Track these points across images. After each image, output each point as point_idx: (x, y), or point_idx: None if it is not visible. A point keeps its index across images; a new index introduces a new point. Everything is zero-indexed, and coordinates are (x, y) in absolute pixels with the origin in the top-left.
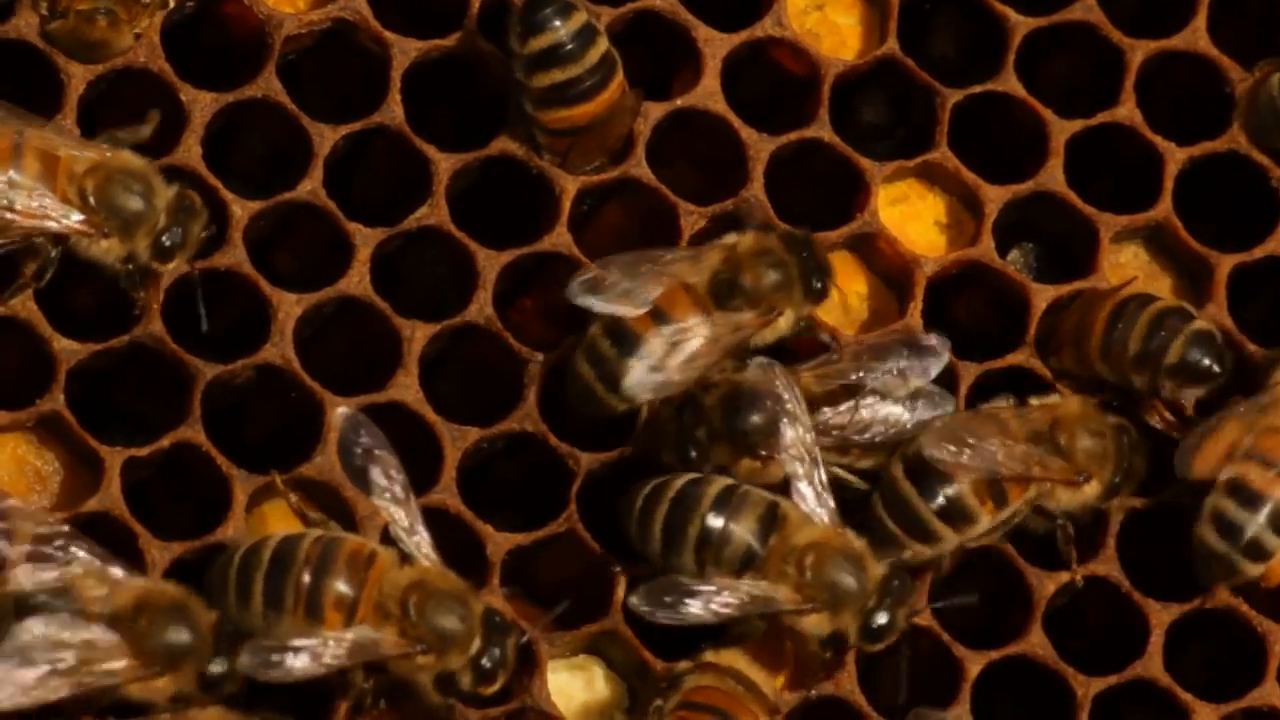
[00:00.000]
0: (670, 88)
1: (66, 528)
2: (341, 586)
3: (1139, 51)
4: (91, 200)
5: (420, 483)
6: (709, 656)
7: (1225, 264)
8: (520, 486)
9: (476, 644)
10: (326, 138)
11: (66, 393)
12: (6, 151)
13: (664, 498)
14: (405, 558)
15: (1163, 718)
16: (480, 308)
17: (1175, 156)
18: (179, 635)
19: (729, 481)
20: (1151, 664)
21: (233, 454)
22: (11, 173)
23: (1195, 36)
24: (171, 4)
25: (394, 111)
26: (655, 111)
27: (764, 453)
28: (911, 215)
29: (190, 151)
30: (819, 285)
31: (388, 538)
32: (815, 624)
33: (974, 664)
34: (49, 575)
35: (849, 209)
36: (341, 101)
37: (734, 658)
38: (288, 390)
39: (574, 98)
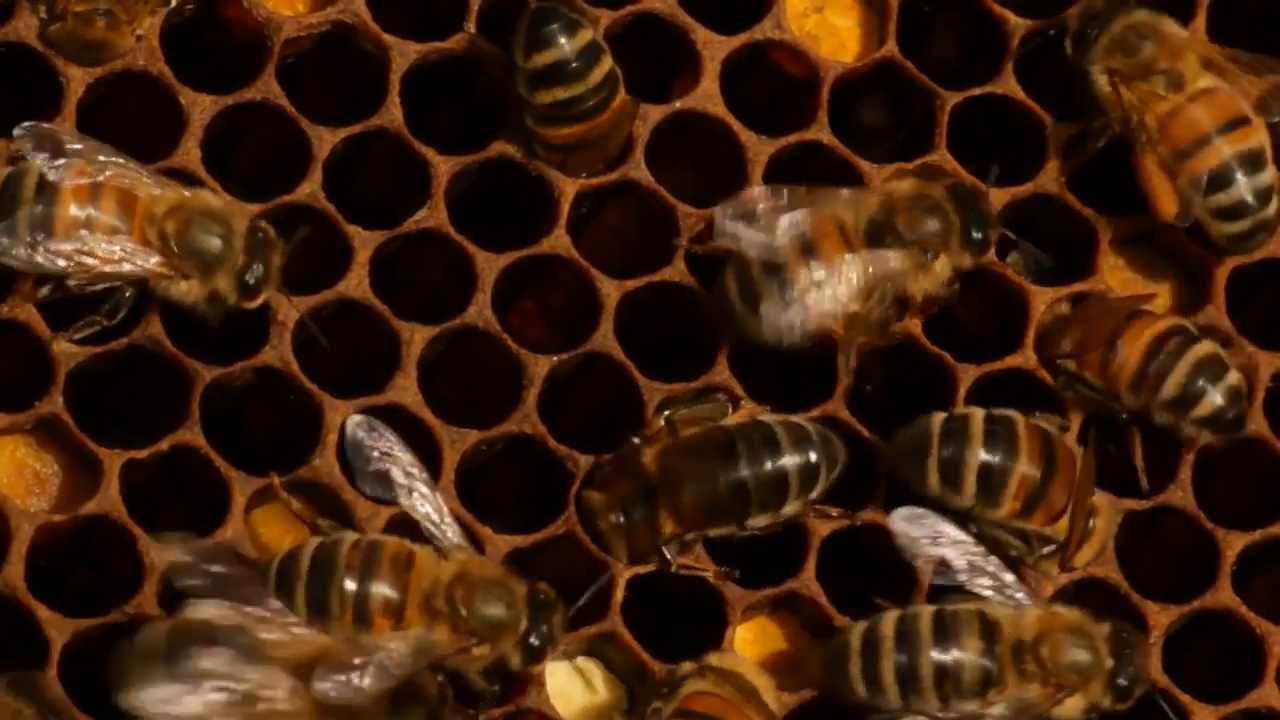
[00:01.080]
0: (669, 90)
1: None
2: (388, 591)
3: None
4: (171, 243)
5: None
6: (713, 660)
7: (1225, 265)
8: (519, 489)
9: (524, 624)
10: (326, 140)
11: (65, 395)
12: (85, 192)
13: (883, 646)
14: (439, 551)
15: (1162, 719)
16: (479, 310)
17: None
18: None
19: (933, 609)
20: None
21: (231, 456)
22: (90, 212)
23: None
24: (173, 3)
25: (393, 114)
26: (654, 114)
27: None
28: None
29: (189, 154)
30: (979, 236)
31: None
32: (1074, 705)
33: None
34: (230, 611)
35: None
36: (341, 104)
37: (737, 662)
38: (287, 393)
39: (576, 116)
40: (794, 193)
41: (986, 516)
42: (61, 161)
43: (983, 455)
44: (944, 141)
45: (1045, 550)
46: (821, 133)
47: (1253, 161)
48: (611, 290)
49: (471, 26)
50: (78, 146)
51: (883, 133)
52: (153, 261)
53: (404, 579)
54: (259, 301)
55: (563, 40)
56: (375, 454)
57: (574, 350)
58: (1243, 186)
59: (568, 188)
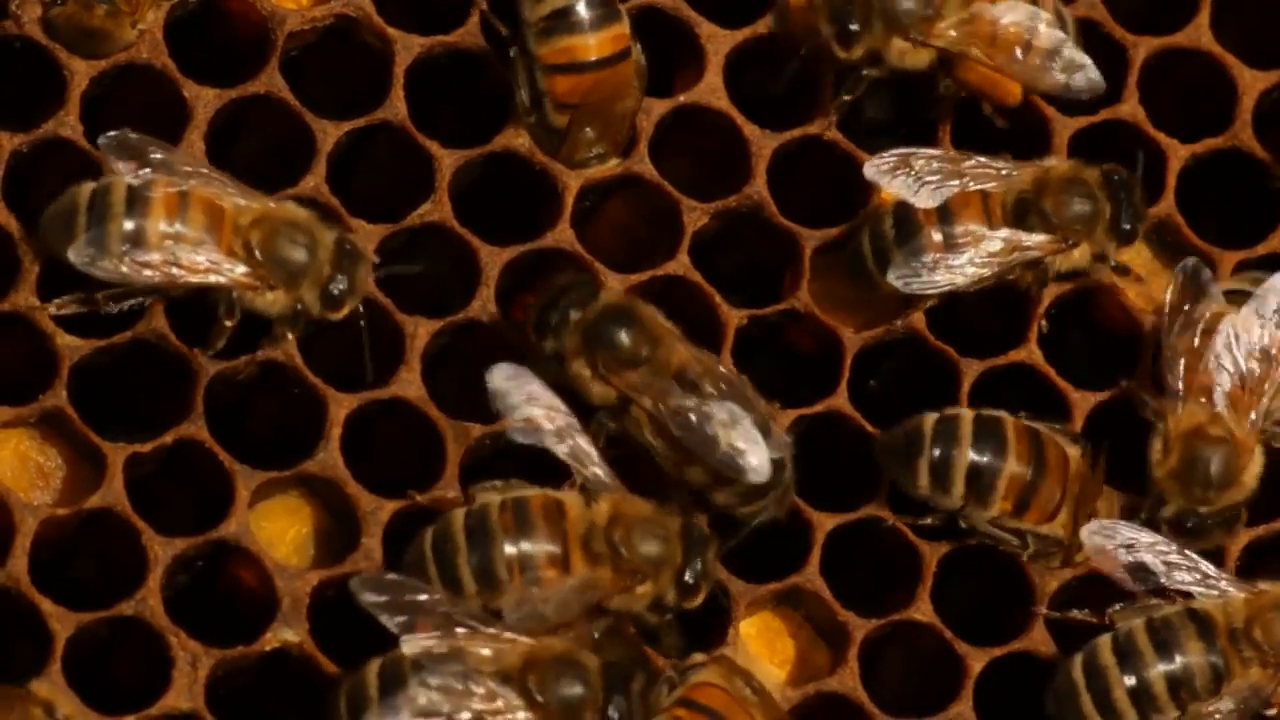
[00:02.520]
0: (673, 84)
1: (448, 608)
2: (548, 545)
3: (1142, 48)
4: (257, 253)
5: (423, 479)
6: (728, 649)
7: (1228, 260)
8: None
9: (679, 560)
10: (329, 134)
11: (69, 389)
12: (173, 202)
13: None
14: (586, 493)
15: None
16: (483, 304)
17: (1178, 153)
18: (573, 689)
19: (1144, 621)
20: None
21: (235, 450)
22: (177, 225)
23: (1198, 33)
24: None
25: (397, 108)
26: (658, 108)
27: None
28: None
29: (194, 147)
30: (1128, 227)
31: (398, 527)
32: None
33: (976, 661)
34: (435, 644)
35: (853, 205)
36: (344, 98)
37: (751, 659)
38: (290, 386)
39: (582, 66)
40: (951, 156)
41: (976, 516)
42: (147, 171)
43: (971, 456)
44: (948, 137)
45: (1044, 548)
46: (825, 127)
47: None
48: (615, 284)
49: (484, 2)
50: (161, 156)
51: (887, 127)
52: (239, 272)
53: (560, 529)
54: (343, 313)
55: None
56: (520, 400)
57: None
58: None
59: (571, 181)
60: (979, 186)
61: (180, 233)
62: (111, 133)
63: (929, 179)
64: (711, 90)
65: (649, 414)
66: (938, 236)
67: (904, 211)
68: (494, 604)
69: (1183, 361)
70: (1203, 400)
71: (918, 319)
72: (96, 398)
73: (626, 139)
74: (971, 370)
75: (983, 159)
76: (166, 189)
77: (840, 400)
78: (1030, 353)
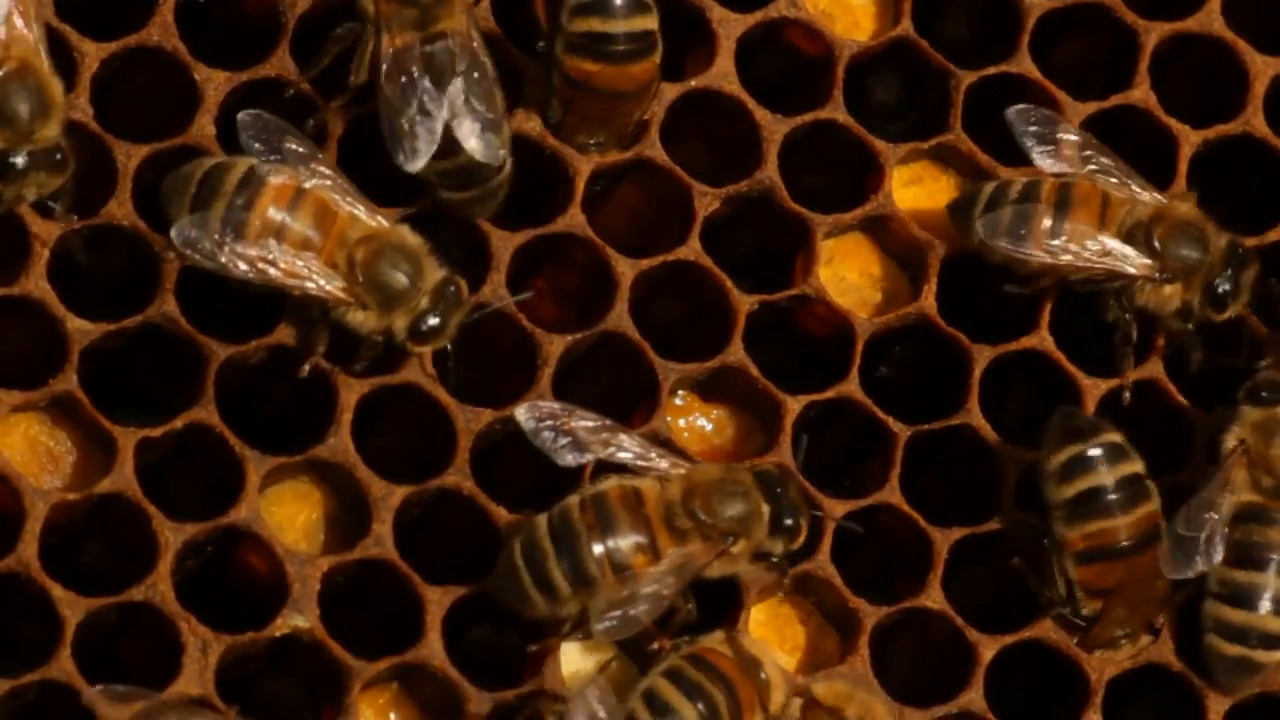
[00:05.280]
0: (684, 68)
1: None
2: (634, 536)
3: (1153, 33)
4: (357, 270)
5: (433, 465)
6: (740, 628)
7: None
8: (533, 468)
9: (766, 508)
10: (340, 117)
11: (80, 373)
12: (286, 194)
13: None
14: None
15: (1175, 702)
16: (494, 289)
17: (1189, 139)
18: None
19: None
20: (1164, 649)
21: (246, 435)
22: (284, 217)
23: (1210, 18)
24: None
25: None
26: (669, 92)
27: None
28: (926, 197)
29: (204, 130)
30: (1222, 292)
31: (408, 512)
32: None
33: (988, 649)
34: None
35: (863, 191)
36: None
37: (763, 650)
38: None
39: (603, 54)
40: (1093, 143)
41: (1064, 538)
42: (275, 159)
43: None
44: (959, 121)
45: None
46: (836, 111)
47: None
48: (626, 270)
49: None
50: (296, 149)
51: (897, 112)
52: (334, 285)
53: (642, 515)
54: (426, 350)
55: None
56: (553, 431)
57: (589, 329)
58: None
59: (582, 166)
60: (1103, 183)
61: (285, 226)
62: (251, 111)
63: (1062, 149)
64: (723, 75)
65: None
66: (1048, 221)
67: (1031, 186)
68: (589, 602)
69: None
70: None
71: (929, 305)
72: (107, 382)
73: (631, 136)
74: (983, 356)
75: (1119, 165)
76: (285, 180)
77: (851, 386)
78: (1042, 339)
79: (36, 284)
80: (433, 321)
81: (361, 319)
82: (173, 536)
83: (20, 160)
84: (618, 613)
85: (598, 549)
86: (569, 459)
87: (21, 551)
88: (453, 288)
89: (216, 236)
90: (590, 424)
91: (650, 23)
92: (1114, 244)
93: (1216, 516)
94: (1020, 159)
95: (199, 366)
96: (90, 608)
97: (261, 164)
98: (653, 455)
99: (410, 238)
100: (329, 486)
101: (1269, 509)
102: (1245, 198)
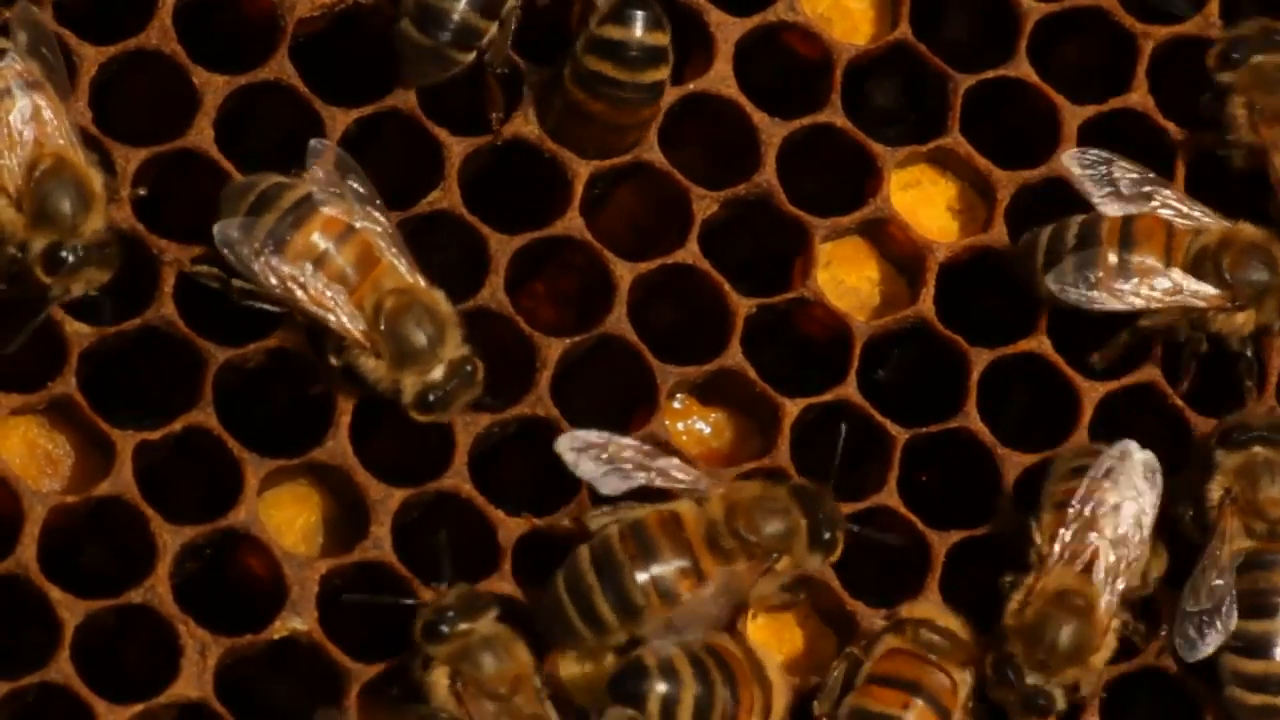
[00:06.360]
0: (682, 72)
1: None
2: (677, 561)
3: (1151, 37)
4: (382, 319)
5: (432, 468)
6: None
7: None
8: (531, 472)
9: (804, 524)
10: (339, 121)
11: (78, 376)
12: (336, 227)
13: None
14: (696, 498)
15: (1172, 706)
16: (492, 292)
17: (1187, 143)
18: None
19: None
20: (1163, 655)
21: (244, 438)
22: (326, 245)
23: (1208, 23)
24: None
25: (406, 95)
26: (667, 96)
27: None
28: (924, 200)
29: (203, 134)
30: None
31: (407, 515)
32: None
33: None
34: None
35: (861, 194)
36: (354, 85)
37: (768, 656)
38: (300, 374)
39: (607, 96)
40: (1150, 177)
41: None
42: (334, 192)
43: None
44: (957, 124)
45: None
46: (834, 115)
47: None
48: (625, 273)
49: None
50: (357, 188)
51: (896, 115)
52: (356, 326)
53: (683, 539)
54: (426, 420)
55: (639, 29)
56: (595, 461)
57: (587, 332)
58: None
59: (580, 169)
60: (1167, 215)
61: (326, 256)
62: (323, 141)
63: (1122, 189)
64: (721, 78)
65: None
66: (1113, 259)
67: (1090, 226)
68: (638, 632)
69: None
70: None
71: (926, 308)
72: (106, 385)
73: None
74: (981, 360)
75: (1179, 194)
76: (339, 213)
77: (849, 389)
78: (1040, 342)
79: (168, 249)
80: (440, 394)
81: (372, 366)
82: (171, 539)
83: (71, 255)
84: (673, 641)
85: (642, 578)
86: (612, 487)
87: (20, 554)
88: (470, 368)
89: (257, 245)
90: (631, 451)
91: (662, 74)
92: (1183, 280)
93: (1224, 583)
94: (1015, 162)
95: (197, 369)
96: (89, 610)
97: (319, 193)
98: (692, 478)
99: (444, 305)
100: (327, 489)
101: (1267, 553)
102: (1242, 202)
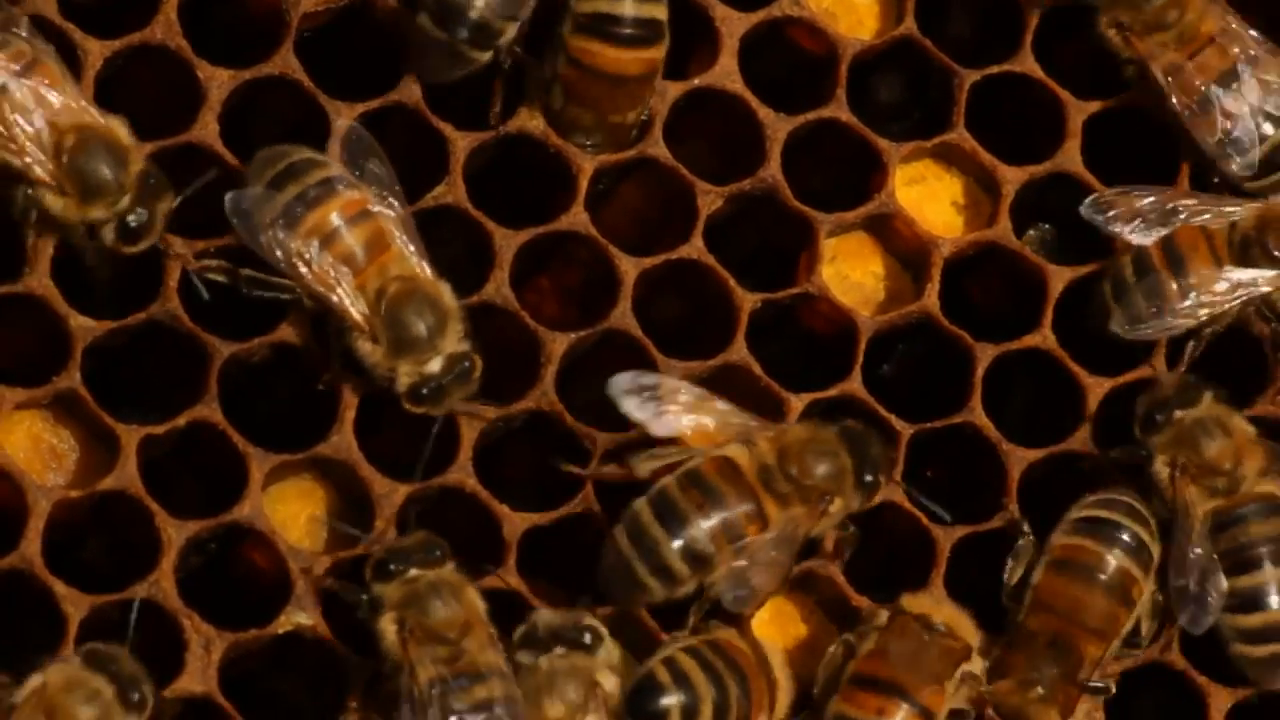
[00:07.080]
0: (687, 67)
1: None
2: (744, 506)
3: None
4: (383, 304)
5: (436, 463)
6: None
7: None
8: (537, 466)
9: (850, 465)
10: (344, 115)
11: (83, 370)
12: (353, 208)
13: None
14: (746, 442)
15: (1178, 700)
16: (497, 287)
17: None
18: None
19: None
20: (1169, 650)
21: (249, 432)
22: (337, 222)
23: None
24: None
25: (411, 89)
26: (672, 91)
27: None
28: (929, 196)
29: (207, 129)
30: None
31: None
32: None
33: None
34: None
35: (866, 189)
36: (358, 79)
37: (771, 650)
38: (305, 368)
39: (609, 35)
40: (1168, 194)
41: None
42: (354, 175)
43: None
44: (962, 120)
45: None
46: (840, 110)
47: None
48: (629, 268)
49: None
50: (378, 173)
51: (900, 110)
52: (358, 308)
53: (744, 483)
54: (418, 412)
55: None
56: (648, 400)
57: (592, 327)
58: None
59: (585, 164)
60: (1198, 222)
61: (336, 234)
62: (353, 123)
63: (1148, 216)
64: (726, 73)
65: None
66: (1173, 285)
67: (1141, 257)
68: (707, 580)
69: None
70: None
71: (931, 303)
72: (110, 379)
73: (631, 138)
74: (985, 355)
75: (1201, 196)
76: (357, 195)
77: (854, 384)
78: (1045, 338)
79: (40, 281)
80: (434, 387)
81: (369, 350)
82: (175, 534)
83: (135, 220)
84: (745, 587)
85: (709, 524)
86: (666, 428)
87: (25, 549)
88: (468, 364)
89: (268, 219)
90: (684, 393)
91: (659, 12)
92: (1238, 274)
93: (1202, 550)
94: (1020, 157)
95: (202, 364)
96: (93, 605)
97: (345, 176)
98: (739, 418)
99: (448, 298)
100: (332, 484)
101: (1234, 508)
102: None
